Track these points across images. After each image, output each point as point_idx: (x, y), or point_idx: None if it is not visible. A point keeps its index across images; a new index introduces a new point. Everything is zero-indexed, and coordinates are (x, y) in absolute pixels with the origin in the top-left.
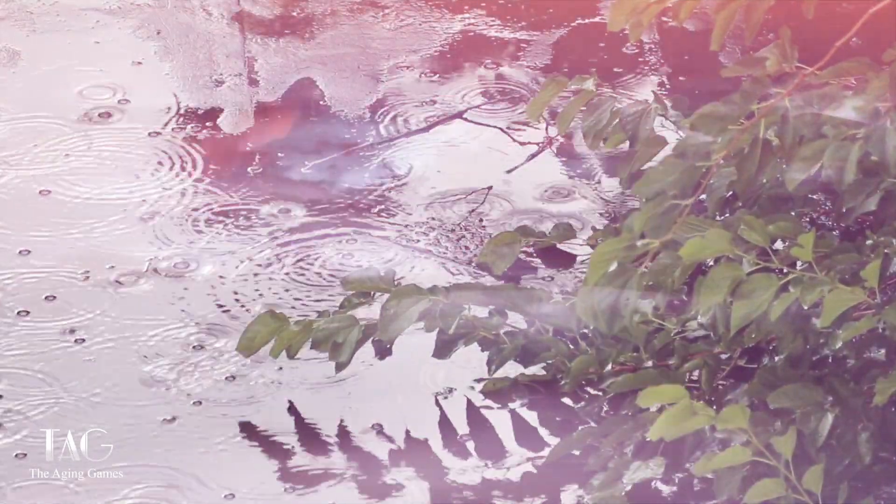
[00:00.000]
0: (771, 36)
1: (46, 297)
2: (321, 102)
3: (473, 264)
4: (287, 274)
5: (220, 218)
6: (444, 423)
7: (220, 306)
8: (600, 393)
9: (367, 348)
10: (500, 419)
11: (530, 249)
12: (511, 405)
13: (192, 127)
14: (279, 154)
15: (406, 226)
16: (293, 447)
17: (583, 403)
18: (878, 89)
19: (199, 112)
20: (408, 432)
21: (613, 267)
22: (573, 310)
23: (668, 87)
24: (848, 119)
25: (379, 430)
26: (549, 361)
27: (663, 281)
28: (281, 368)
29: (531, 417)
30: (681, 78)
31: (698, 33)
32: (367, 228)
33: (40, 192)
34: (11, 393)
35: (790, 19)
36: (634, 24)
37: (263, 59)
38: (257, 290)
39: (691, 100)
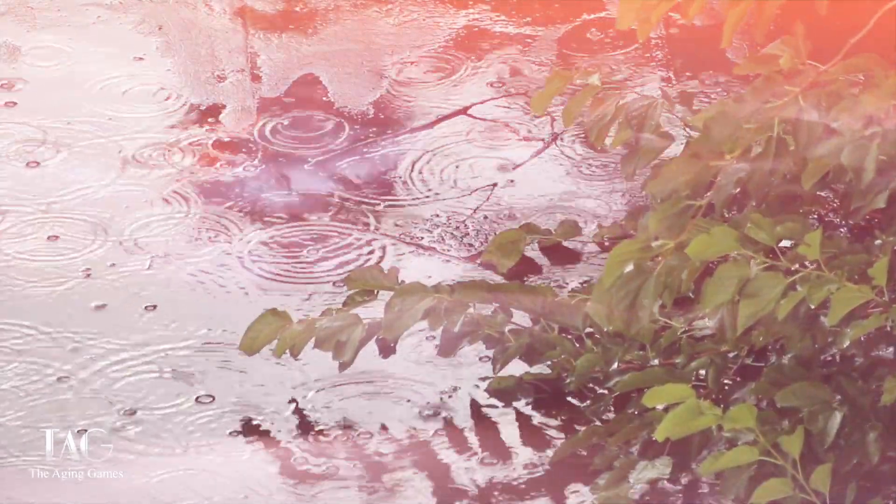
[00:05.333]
0: (775, 29)
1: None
2: (324, 98)
3: (478, 262)
4: (288, 271)
5: (220, 216)
6: (449, 422)
7: (221, 304)
8: (606, 392)
9: (371, 347)
10: (504, 418)
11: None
12: (516, 404)
13: (193, 123)
14: (281, 150)
15: (410, 223)
16: (296, 447)
17: (588, 402)
18: (892, 87)
19: (202, 108)
20: (412, 432)
21: (629, 269)
22: (579, 308)
23: (674, 82)
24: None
25: (383, 429)
26: (555, 360)
27: (671, 282)
28: (283, 366)
29: (536, 416)
30: (687, 73)
31: (705, 28)
32: (370, 225)
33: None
34: None
35: (801, 16)
36: (643, 22)
37: (266, 55)
38: (258, 287)
39: (697, 96)
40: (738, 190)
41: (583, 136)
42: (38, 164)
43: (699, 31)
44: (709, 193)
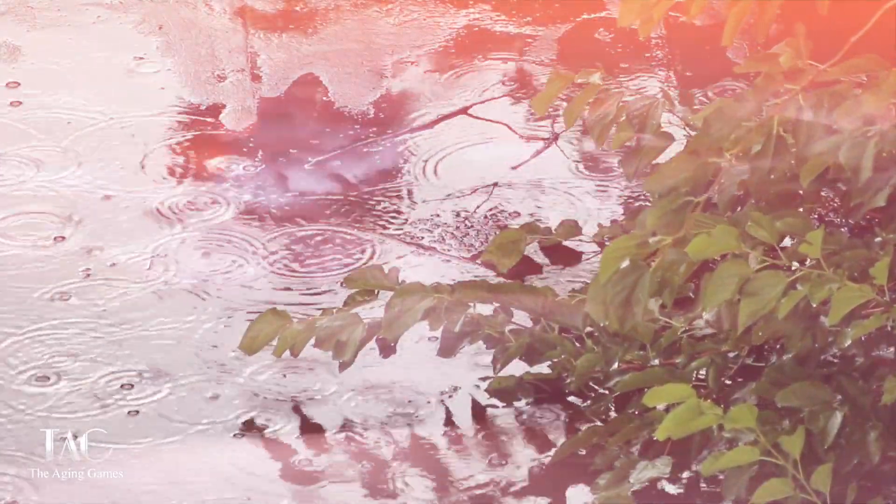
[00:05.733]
0: (775, 28)
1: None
2: (324, 98)
3: (478, 262)
4: (289, 271)
5: (219, 215)
6: (449, 422)
7: (221, 303)
8: (606, 392)
9: (371, 347)
10: (505, 418)
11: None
12: (516, 404)
13: (194, 123)
14: (282, 150)
15: (410, 223)
16: (297, 447)
17: (589, 402)
18: (892, 86)
19: (202, 108)
20: (412, 432)
21: (625, 264)
22: (579, 308)
23: (675, 81)
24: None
25: (384, 429)
26: (555, 360)
27: (670, 278)
28: (283, 367)
29: (536, 416)
30: (688, 73)
31: (705, 28)
32: (370, 225)
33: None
34: None
35: (802, 16)
36: (645, 20)
37: (266, 55)
38: (259, 287)
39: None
40: (741, 192)
41: (584, 135)
42: (41, 164)
43: (699, 30)
44: (708, 193)
